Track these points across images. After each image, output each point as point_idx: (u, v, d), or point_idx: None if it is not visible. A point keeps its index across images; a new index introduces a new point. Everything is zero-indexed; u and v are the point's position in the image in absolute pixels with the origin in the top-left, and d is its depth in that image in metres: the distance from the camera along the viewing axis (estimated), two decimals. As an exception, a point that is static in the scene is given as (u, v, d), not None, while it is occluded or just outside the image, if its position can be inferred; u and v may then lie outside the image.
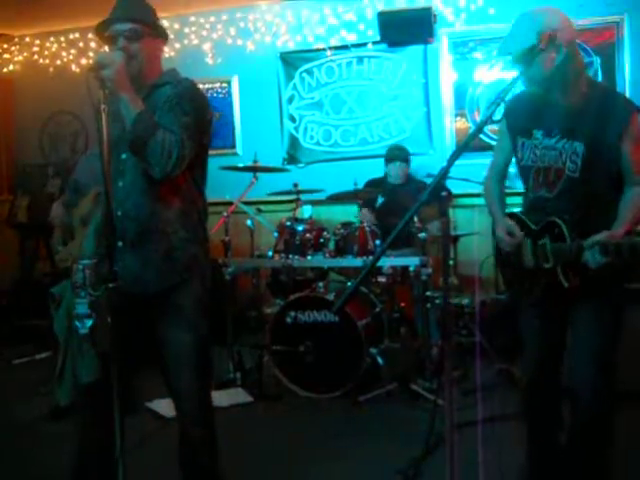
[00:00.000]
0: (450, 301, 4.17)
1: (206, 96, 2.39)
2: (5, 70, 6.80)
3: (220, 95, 6.14)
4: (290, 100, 5.95)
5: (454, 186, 4.32)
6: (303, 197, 4.67)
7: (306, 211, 4.86)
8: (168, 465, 2.43)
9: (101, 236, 2.12)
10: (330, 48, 5.79)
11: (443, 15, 5.44)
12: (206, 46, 6.15)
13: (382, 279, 4.38)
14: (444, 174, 2.06)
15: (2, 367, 4.93)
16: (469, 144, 2.20)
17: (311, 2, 5.81)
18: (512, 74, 2.24)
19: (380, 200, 4.85)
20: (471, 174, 4.10)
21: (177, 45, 6.07)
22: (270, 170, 4.69)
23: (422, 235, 4.20)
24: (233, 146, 6.09)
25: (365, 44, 5.69)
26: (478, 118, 5.36)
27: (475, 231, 4.36)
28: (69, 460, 2.29)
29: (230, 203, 4.61)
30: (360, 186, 4.70)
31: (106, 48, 2.31)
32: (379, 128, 5.68)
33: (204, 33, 6.16)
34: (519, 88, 2.36)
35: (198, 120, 2.18)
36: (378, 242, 4.17)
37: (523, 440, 2.60)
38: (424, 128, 5.55)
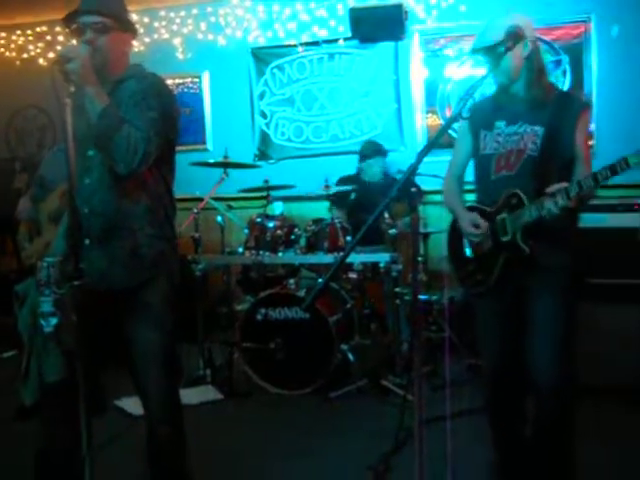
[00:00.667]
0: (419, 297, 4.22)
1: (173, 91, 2.37)
2: (-29, 63, 6.66)
3: (190, 90, 6.08)
4: (261, 96, 5.92)
5: (424, 183, 4.33)
6: (274, 193, 4.65)
7: (277, 207, 4.85)
8: (136, 464, 2.41)
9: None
10: (301, 44, 5.77)
11: (414, 12, 5.45)
12: (176, 41, 6.09)
13: (353, 275, 4.38)
14: (413, 170, 2.07)
15: (-34, 366, 4.83)
16: (438, 141, 2.23)
17: (282, -3, 5.79)
18: (482, 71, 2.33)
19: (353, 196, 4.85)
20: (441, 171, 4.04)
21: (147, 39, 6.00)
22: (241, 166, 4.66)
23: (392, 231, 4.21)
24: (203, 142, 6.04)
25: (336, 40, 5.68)
26: (449, 115, 5.38)
27: (446, 228, 4.37)
28: (34, 460, 2.25)
29: (200, 199, 4.57)
30: (332, 183, 4.70)
31: (74, 41, 2.26)
32: (350, 124, 5.68)
33: (174, 27, 6.10)
34: (487, 86, 2.42)
35: (164, 116, 2.15)
36: (349, 238, 4.17)
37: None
38: (395, 124, 5.57)
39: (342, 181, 4.93)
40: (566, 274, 2.37)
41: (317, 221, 4.28)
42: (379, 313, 4.39)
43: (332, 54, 5.73)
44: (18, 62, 6.48)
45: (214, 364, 4.31)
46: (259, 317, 4.07)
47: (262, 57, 5.90)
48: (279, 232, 4.24)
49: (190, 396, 3.88)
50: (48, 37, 6.33)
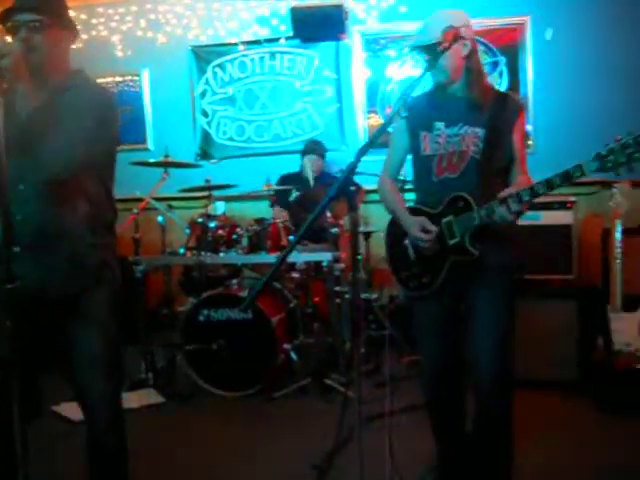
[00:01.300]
0: (360, 296, 4.25)
1: (114, 100, 2.28)
2: None
3: (131, 89, 5.98)
4: (202, 95, 5.86)
5: (366, 181, 4.38)
6: (217, 193, 4.61)
7: (219, 207, 4.81)
8: (75, 470, 2.36)
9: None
10: (243, 43, 5.74)
11: (355, 12, 5.49)
12: (115, 38, 5.99)
13: (296, 275, 4.38)
14: (352, 169, 2.09)
15: None
16: (377, 140, 2.25)
17: (223, -5, 5.75)
18: (425, 73, 2.29)
19: (294, 195, 4.85)
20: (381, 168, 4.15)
21: (84, 36, 5.86)
22: (182, 166, 4.60)
23: (335, 230, 4.23)
24: (144, 141, 5.94)
25: (278, 39, 5.67)
26: (389, 112, 5.44)
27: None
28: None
29: (141, 199, 4.49)
30: (273, 182, 4.69)
31: (8, 38, 2.17)
32: (292, 124, 5.68)
33: (113, 24, 6.00)
34: (424, 86, 2.43)
35: (102, 125, 2.09)
36: (292, 238, 4.17)
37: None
38: (337, 124, 5.60)
39: (284, 179, 4.93)
40: (508, 273, 2.41)
41: (259, 221, 4.27)
42: (322, 312, 4.40)
43: (274, 53, 5.71)
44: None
45: (156, 367, 4.24)
46: (201, 318, 4.02)
47: (203, 55, 5.84)
48: (221, 232, 4.20)
49: (131, 400, 3.82)
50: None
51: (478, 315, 2.39)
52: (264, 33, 5.73)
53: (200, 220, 4.26)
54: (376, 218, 4.95)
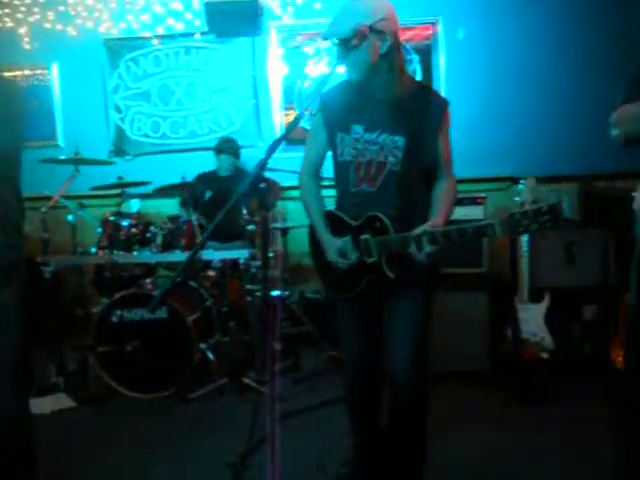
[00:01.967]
0: (270, 293, 4.24)
1: (17, 94, 2.19)
2: None
3: (39, 83, 5.75)
4: (116, 89, 5.70)
5: (283, 178, 4.37)
6: (131, 191, 4.50)
7: (133, 205, 4.69)
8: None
9: None
10: (156, 37, 5.62)
11: (271, 8, 5.46)
12: (22, 30, 5.75)
13: (212, 273, 4.33)
14: (263, 166, 2.08)
15: None
16: (287, 137, 2.24)
17: (135, -12, 5.61)
18: (338, 68, 2.21)
19: (208, 194, 4.79)
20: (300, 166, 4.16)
21: (-12, 27, 5.62)
22: (93, 162, 4.46)
23: (251, 228, 4.20)
24: (53, 137, 5.72)
25: (193, 34, 5.58)
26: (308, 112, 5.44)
27: (306, 223, 4.42)
28: None
29: (49, 198, 4.33)
30: (189, 179, 4.62)
31: None
32: (208, 120, 5.61)
33: (19, 16, 5.75)
34: (334, 83, 2.38)
35: (5, 119, 2.00)
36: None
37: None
38: (253, 120, 5.56)
39: (200, 178, 4.86)
40: (425, 272, 2.37)
41: (173, 219, 4.18)
42: (239, 310, 4.36)
43: (189, 48, 5.62)
44: None
45: (67, 370, 4.10)
46: (114, 319, 3.92)
47: (115, 49, 5.68)
48: (134, 230, 4.10)
49: (42, 405, 3.70)
50: None
51: (393, 310, 2.40)
52: (179, 27, 5.63)
53: (112, 218, 4.15)
54: (294, 214, 4.95)
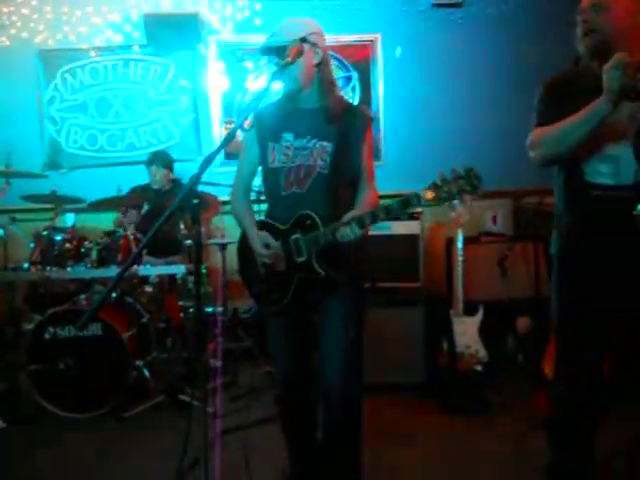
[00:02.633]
0: (207, 309, 4.22)
1: None
2: None
3: (-29, 93, 5.58)
4: (51, 101, 5.58)
5: (223, 193, 4.35)
6: (66, 205, 4.39)
7: (68, 219, 4.60)
8: None
9: None
10: (94, 49, 5.54)
11: (210, 22, 5.46)
12: (-48, 39, 5.58)
13: (149, 288, 4.26)
14: (196, 180, 2.07)
15: None
16: (220, 152, 2.24)
17: (72, -1, 5.52)
18: (274, 83, 2.28)
19: (146, 207, 4.73)
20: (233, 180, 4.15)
21: None
22: (25, 175, 4.36)
23: (188, 242, 4.17)
24: (-17, 149, 5.55)
25: (131, 47, 5.52)
26: (246, 125, 5.43)
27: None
28: None
29: (-23, 212, 4.20)
30: (125, 192, 4.55)
31: None
32: (147, 133, 5.54)
33: (-51, 24, 5.58)
34: (269, 98, 2.43)
35: None
36: (144, 251, 4.05)
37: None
38: (193, 134, 5.52)
39: (135, 191, 4.79)
40: (354, 285, 2.46)
41: (109, 233, 4.10)
42: (177, 326, 4.30)
43: (127, 60, 5.55)
44: None
45: (-4, 390, 3.97)
46: (47, 336, 3.82)
47: (51, 60, 5.56)
48: (68, 245, 3.99)
49: (-32, 427, 3.57)
50: None
51: (326, 327, 2.43)
52: (117, 40, 5.56)
53: (45, 233, 4.04)
54: (232, 229, 4.91)
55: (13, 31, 5.58)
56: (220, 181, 4.14)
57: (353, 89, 5.42)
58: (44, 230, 4.07)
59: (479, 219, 4.78)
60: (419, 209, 4.27)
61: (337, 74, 5.39)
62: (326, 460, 2.55)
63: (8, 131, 5.51)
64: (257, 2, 5.47)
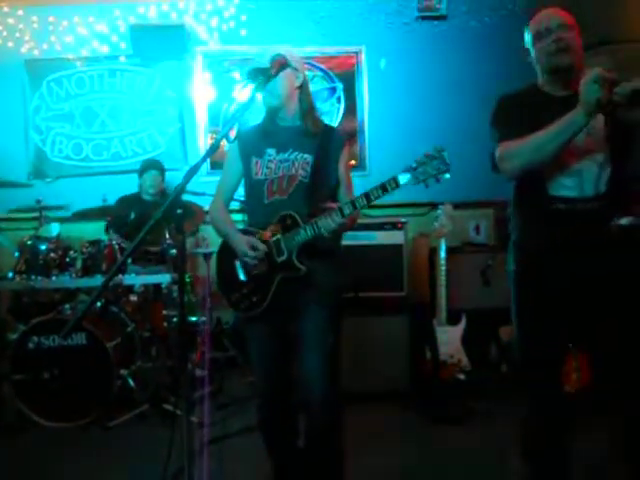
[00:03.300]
0: (186, 319, 4.23)
1: None
2: None
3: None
4: (37, 110, 5.58)
5: (208, 202, 4.36)
6: (51, 214, 4.40)
7: (54, 229, 4.59)
8: None
9: None
10: (80, 59, 5.55)
11: (196, 33, 5.50)
12: (-62, 48, 5.57)
13: (134, 298, 4.27)
14: (180, 190, 2.09)
15: None
16: (204, 163, 2.26)
17: (59, 9, 5.53)
18: (257, 94, 2.34)
19: (132, 216, 4.73)
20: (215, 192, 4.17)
21: None
22: (10, 185, 4.36)
23: (173, 252, 4.18)
24: (-32, 158, 5.54)
25: (117, 57, 5.55)
26: (232, 135, 5.46)
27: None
28: None
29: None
30: (110, 202, 4.55)
31: None
32: (133, 143, 5.55)
33: None
34: (254, 108, 2.48)
35: None
36: (129, 260, 4.06)
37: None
38: (179, 144, 5.54)
39: (122, 201, 4.79)
40: (333, 292, 2.51)
41: (94, 242, 4.09)
42: (162, 335, 4.30)
43: (113, 70, 5.57)
44: None
45: (-22, 400, 3.96)
46: (31, 346, 3.82)
47: (37, 69, 5.57)
48: (52, 255, 4.00)
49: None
50: None
51: (304, 334, 2.45)
52: (104, 50, 5.58)
53: (30, 242, 4.04)
54: (217, 239, 4.93)
55: (-2, 41, 5.59)
56: (205, 191, 4.17)
57: (338, 100, 5.47)
58: (29, 239, 4.07)
59: (462, 229, 4.83)
60: (403, 219, 4.32)
61: (322, 85, 5.44)
62: (309, 467, 2.57)
63: (-7, 140, 5.52)
64: (243, 13, 5.51)
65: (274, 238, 2.41)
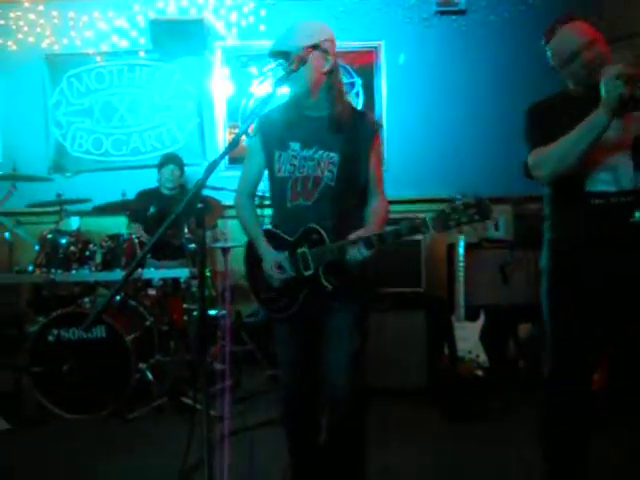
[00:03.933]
0: (209, 313, 4.24)
1: None
2: None
3: (-22, 98, 5.64)
4: (57, 105, 5.63)
5: (227, 197, 4.38)
6: (71, 208, 4.43)
7: (73, 223, 4.62)
8: None
9: None
10: (100, 54, 5.59)
11: (215, 28, 5.50)
12: (-40, 44, 5.63)
13: (152, 292, 4.29)
14: (200, 185, 2.08)
15: None
16: (225, 157, 2.25)
17: (79, 4, 5.56)
18: (280, 88, 2.21)
19: (152, 210, 4.75)
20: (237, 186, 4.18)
21: None
22: (31, 179, 4.40)
23: (192, 246, 4.19)
24: (-10, 153, 5.60)
25: (137, 52, 5.57)
26: (250, 130, 5.47)
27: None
28: None
29: (-16, 215, 4.24)
30: (130, 196, 4.58)
31: None
32: (152, 138, 5.58)
33: (-44, 29, 5.64)
34: (274, 103, 2.40)
35: None
36: (148, 254, 4.08)
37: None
38: (197, 139, 5.56)
39: (141, 195, 4.82)
40: (361, 297, 2.44)
41: (113, 237, 4.12)
42: (180, 329, 4.32)
43: (132, 65, 5.59)
44: None
45: None
46: (51, 338, 3.86)
47: (58, 65, 5.61)
48: (73, 248, 4.03)
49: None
50: None
51: (331, 329, 2.42)
52: (123, 45, 5.60)
53: (50, 236, 4.07)
54: (236, 233, 4.95)
55: (20, 36, 5.63)
56: (224, 185, 4.17)
57: (357, 95, 5.45)
58: (49, 233, 4.10)
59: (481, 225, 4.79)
60: (421, 215, 4.29)
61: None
62: (330, 463, 2.56)
63: (14, 135, 5.58)
64: (262, 8, 5.51)
65: (300, 250, 2.33)
